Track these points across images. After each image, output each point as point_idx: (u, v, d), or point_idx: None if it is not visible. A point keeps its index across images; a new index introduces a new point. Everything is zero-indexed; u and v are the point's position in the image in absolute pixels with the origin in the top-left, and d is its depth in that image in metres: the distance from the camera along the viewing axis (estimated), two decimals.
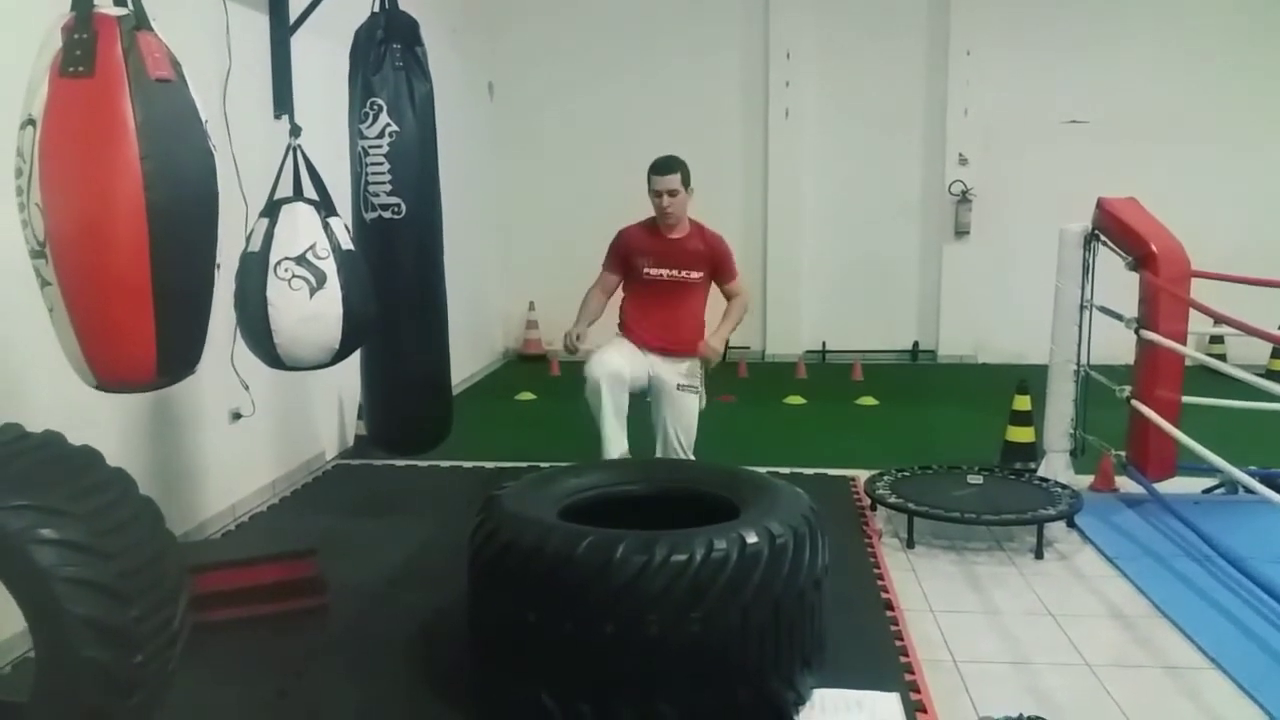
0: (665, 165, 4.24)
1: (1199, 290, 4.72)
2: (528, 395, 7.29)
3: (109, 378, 2.46)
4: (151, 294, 2.34)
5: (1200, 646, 3.28)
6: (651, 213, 4.35)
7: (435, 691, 2.96)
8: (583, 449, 3.95)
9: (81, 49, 2.26)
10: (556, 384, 7.93)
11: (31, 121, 2.28)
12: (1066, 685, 3.05)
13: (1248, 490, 4.01)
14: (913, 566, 4.03)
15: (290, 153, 3.69)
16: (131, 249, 2.30)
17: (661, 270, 4.23)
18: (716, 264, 4.40)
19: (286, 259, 3.44)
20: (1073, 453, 5.04)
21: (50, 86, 2.27)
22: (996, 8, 8.61)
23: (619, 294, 4.63)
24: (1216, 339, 7.80)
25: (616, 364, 4.30)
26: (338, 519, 4.52)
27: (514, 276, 9.12)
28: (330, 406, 5.60)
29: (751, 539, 2.62)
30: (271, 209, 3.54)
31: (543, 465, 4.11)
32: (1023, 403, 5.32)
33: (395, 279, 4.11)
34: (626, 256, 4.29)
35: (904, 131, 8.94)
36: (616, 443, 4.36)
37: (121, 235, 2.29)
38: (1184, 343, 4.69)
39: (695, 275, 4.30)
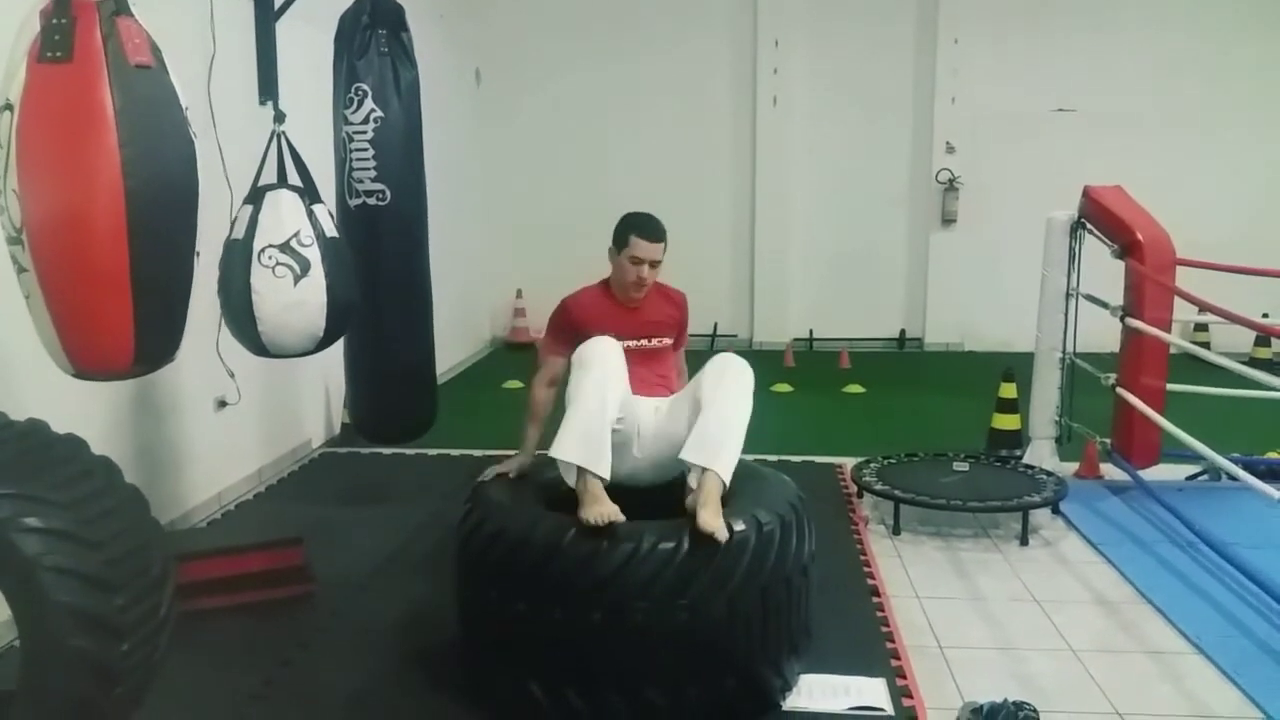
0: (658, 230, 3.28)
1: (1184, 278, 4.74)
2: (515, 384, 7.26)
3: (86, 365, 2.44)
4: (129, 281, 2.32)
5: (1183, 631, 3.31)
6: (602, 275, 3.39)
7: (423, 679, 2.96)
8: None
9: (60, 34, 2.23)
10: None
11: (9, 107, 2.26)
12: (1051, 670, 3.08)
13: (1231, 477, 4.04)
14: (899, 553, 4.05)
15: (274, 139, 3.67)
16: (110, 236, 2.28)
17: (629, 343, 3.19)
18: (682, 328, 3.49)
19: (270, 246, 3.43)
20: (1058, 440, 5.07)
21: (28, 72, 2.24)
22: None
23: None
24: (1201, 327, 7.84)
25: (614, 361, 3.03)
26: (325, 507, 4.51)
27: (501, 264, 9.09)
28: (317, 394, 5.58)
29: (739, 526, 2.62)
30: (255, 196, 3.52)
31: None
32: (1009, 390, 5.34)
33: (380, 266, 4.10)
34: (582, 334, 3.19)
35: (892, 120, 8.94)
36: (593, 448, 2.79)
37: (99, 222, 2.27)
38: (1168, 330, 4.72)
39: (666, 341, 3.37)
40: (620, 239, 3.27)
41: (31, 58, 2.24)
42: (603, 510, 2.62)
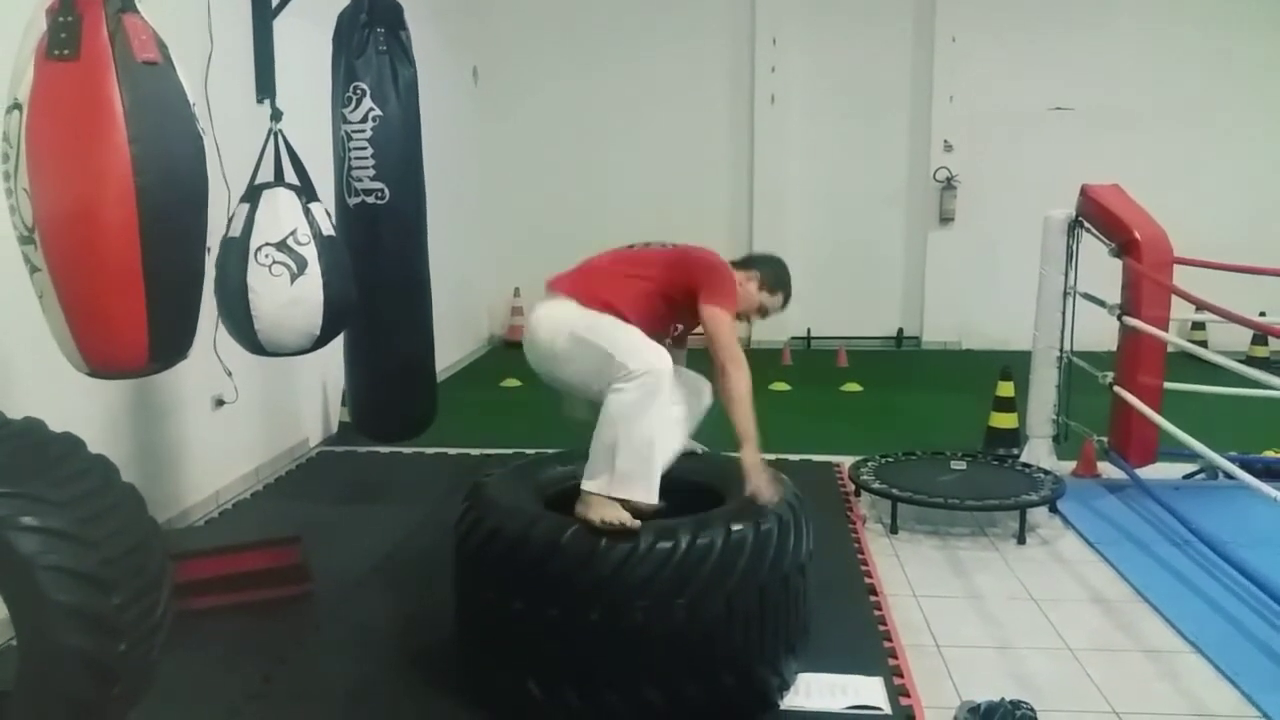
0: None
1: (1181, 277, 4.75)
2: (513, 382, 7.27)
3: (101, 364, 2.43)
4: (142, 278, 2.33)
5: (1180, 630, 3.32)
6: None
7: (421, 678, 2.96)
8: (568, 436, 3.94)
9: (66, 32, 2.24)
10: None
11: (17, 105, 2.26)
12: (1048, 669, 3.08)
13: (1227, 475, 4.04)
14: (896, 552, 4.05)
15: (272, 137, 3.66)
16: (121, 233, 2.28)
17: (695, 335, 3.26)
18: None
19: (267, 244, 3.42)
20: (1055, 438, 5.07)
21: (36, 70, 2.24)
22: None
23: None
24: (1198, 325, 7.85)
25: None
26: (322, 506, 4.51)
27: (500, 262, 9.08)
28: (314, 393, 5.58)
29: (736, 526, 2.63)
30: (252, 194, 3.52)
31: (528, 452, 4.10)
32: (1006, 389, 5.35)
33: (379, 264, 4.09)
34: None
35: (889, 118, 8.95)
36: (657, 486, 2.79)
37: (111, 219, 2.27)
38: (1166, 329, 4.72)
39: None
40: (776, 290, 3.45)
41: (39, 56, 2.25)
42: (621, 514, 2.63)
